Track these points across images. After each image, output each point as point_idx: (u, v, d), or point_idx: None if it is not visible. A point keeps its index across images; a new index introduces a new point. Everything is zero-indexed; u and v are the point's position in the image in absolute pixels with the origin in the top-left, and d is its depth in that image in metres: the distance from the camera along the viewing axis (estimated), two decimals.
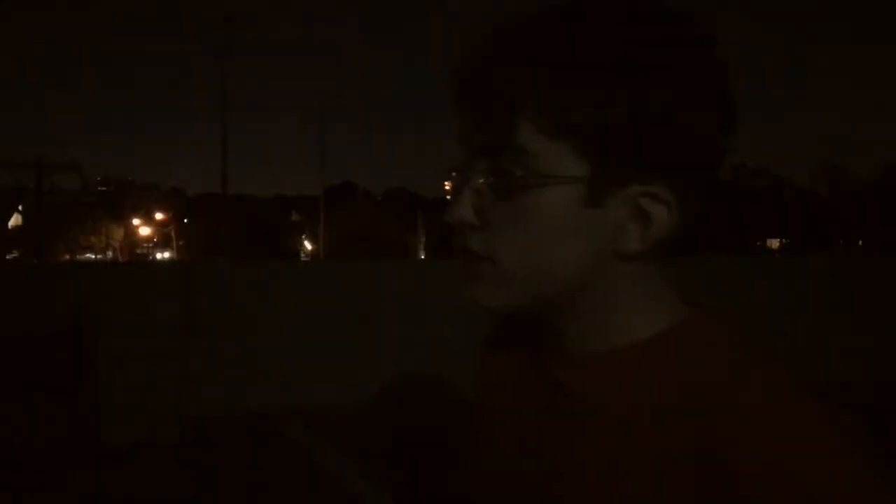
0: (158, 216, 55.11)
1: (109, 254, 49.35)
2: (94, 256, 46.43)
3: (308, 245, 55.39)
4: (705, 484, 0.59)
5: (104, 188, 58.47)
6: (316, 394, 6.11)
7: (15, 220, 47.49)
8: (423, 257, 43.63)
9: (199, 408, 5.68)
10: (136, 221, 53.44)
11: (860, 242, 47.24)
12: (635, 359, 0.65)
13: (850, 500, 0.56)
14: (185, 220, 56.30)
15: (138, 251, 53.44)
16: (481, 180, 0.63)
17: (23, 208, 45.89)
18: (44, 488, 4.40)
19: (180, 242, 53.00)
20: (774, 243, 49.58)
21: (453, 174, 0.66)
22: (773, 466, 0.57)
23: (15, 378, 5.29)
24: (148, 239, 53.49)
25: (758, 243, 46.70)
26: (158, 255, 51.09)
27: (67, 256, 44.74)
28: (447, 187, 0.71)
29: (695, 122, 0.60)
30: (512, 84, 0.60)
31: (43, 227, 32.38)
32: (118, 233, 51.19)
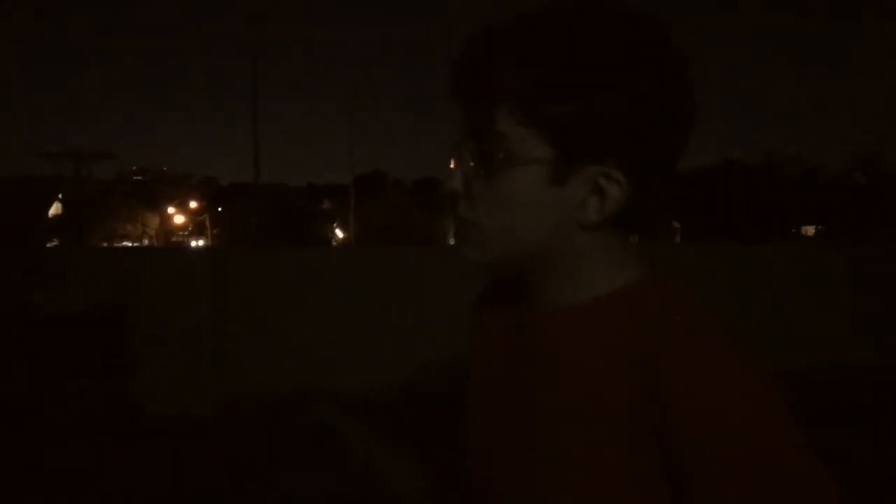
0: (192, 205, 55.92)
1: (145, 242, 50.28)
2: (130, 245, 47.35)
3: (339, 233, 55.82)
4: (647, 418, 0.70)
5: (139, 177, 59.48)
6: (344, 375, 6.32)
7: (55, 209, 48.52)
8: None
9: (231, 387, 5.92)
10: (170, 210, 54.27)
11: None
12: (594, 312, 0.77)
13: (768, 439, 0.67)
14: (219, 209, 57.06)
15: (173, 239, 54.32)
16: (469, 159, 0.77)
17: (62, 197, 46.87)
18: (85, 459, 4.66)
19: (214, 231, 53.78)
20: (809, 230, 48.79)
21: (455, 150, 0.79)
22: (702, 407, 0.68)
23: (59, 357, 5.57)
24: (182, 227, 54.33)
25: (792, 230, 45.99)
26: (193, 244, 51.94)
27: (105, 245, 45.73)
28: (451, 165, 0.80)
29: (645, 117, 0.72)
30: (494, 81, 0.73)
31: (81, 216, 33.15)
32: (153, 221, 52.07)
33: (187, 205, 55.78)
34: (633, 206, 0.74)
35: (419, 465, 4.43)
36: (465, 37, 0.77)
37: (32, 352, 5.61)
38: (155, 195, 53.49)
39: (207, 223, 53.89)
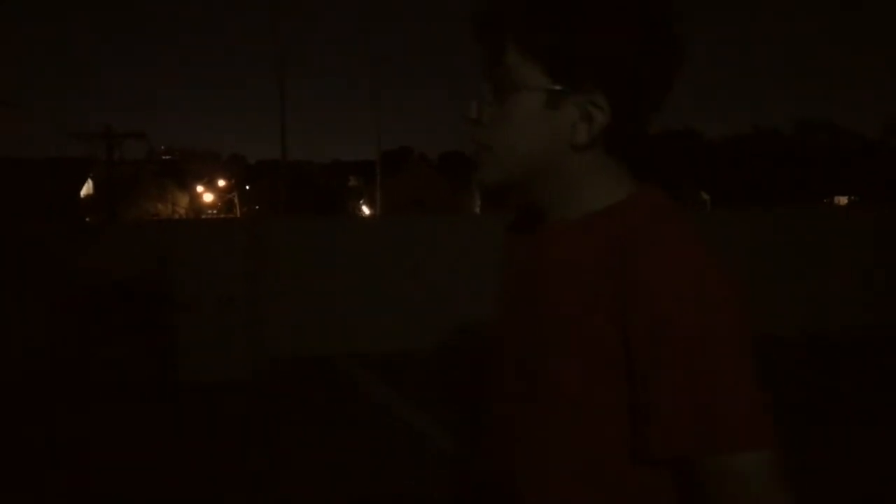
0: (221, 183, 56.44)
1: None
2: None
3: (365, 209, 56.05)
4: (612, 305, 0.83)
5: (168, 157, 60.08)
6: (375, 340, 6.44)
7: (87, 189, 49.20)
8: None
9: (266, 350, 6.07)
10: (199, 188, 54.81)
11: None
12: (589, 224, 0.90)
13: (716, 335, 0.79)
14: (247, 187, 57.54)
15: (203, 217, 54.94)
16: (484, 91, 0.91)
17: (93, 177, 47.50)
18: (129, 418, 4.84)
19: (244, 208, 54.28)
20: (842, 200, 47.87)
21: (476, 91, 0.93)
22: (654, 293, 0.80)
23: (102, 324, 5.76)
24: (212, 205, 54.91)
25: (825, 200, 45.16)
26: None
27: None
28: (472, 102, 0.95)
29: (628, 55, 0.84)
30: (504, 20, 0.87)
31: (115, 196, 33.61)
32: (183, 200, 52.65)
33: (216, 183, 56.30)
34: (619, 132, 0.87)
35: (444, 418, 4.53)
36: None
37: (77, 320, 5.80)
38: (184, 174, 54.05)
39: (236, 201, 54.39)
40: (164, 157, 59.75)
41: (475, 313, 6.48)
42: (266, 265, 6.27)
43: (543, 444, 0.94)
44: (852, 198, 46.22)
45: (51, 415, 4.94)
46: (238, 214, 53.57)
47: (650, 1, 0.85)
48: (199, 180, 54.86)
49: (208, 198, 55.25)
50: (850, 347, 6.50)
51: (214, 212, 54.82)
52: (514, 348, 0.98)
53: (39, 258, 5.95)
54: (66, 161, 42.46)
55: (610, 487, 0.90)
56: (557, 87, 0.86)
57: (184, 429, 4.72)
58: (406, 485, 3.79)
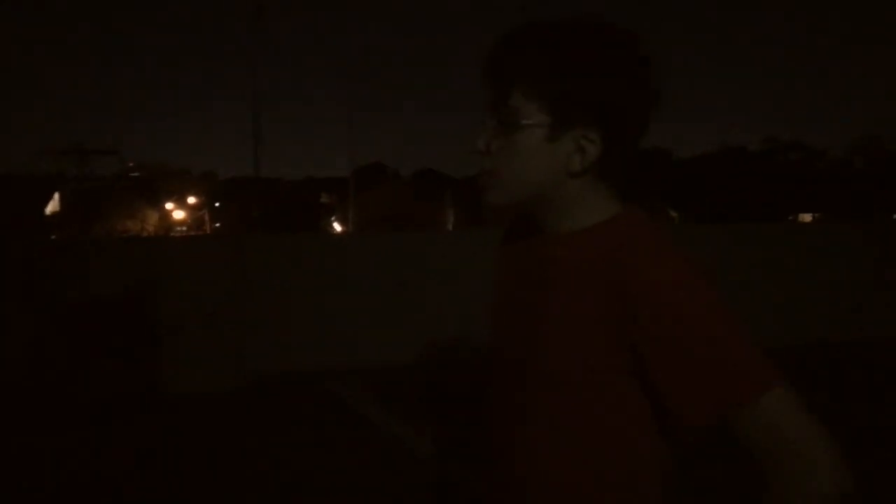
0: (191, 200, 55.86)
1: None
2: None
3: (337, 226, 55.87)
4: (614, 309, 0.98)
5: (136, 174, 59.36)
6: (357, 355, 6.41)
7: (52, 207, 48.40)
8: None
9: (250, 368, 6.01)
10: (169, 206, 54.18)
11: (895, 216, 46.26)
12: (578, 239, 1.07)
13: (709, 316, 0.96)
14: (217, 204, 57.01)
15: (171, 234, 54.29)
16: (492, 125, 1.07)
17: (59, 194, 46.77)
18: (111, 434, 4.77)
19: (215, 225, 53.77)
20: (806, 218, 48.84)
21: (481, 125, 1.09)
22: (651, 288, 0.96)
23: (84, 341, 5.66)
24: (182, 222, 54.30)
25: (789, 217, 46.02)
26: None
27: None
28: (479, 134, 1.10)
29: (614, 99, 1.01)
30: (510, 70, 1.04)
31: (86, 213, 33.14)
32: (153, 217, 51.99)
33: (186, 200, 55.70)
34: (607, 161, 1.04)
35: (430, 428, 4.52)
36: (489, 42, 1.08)
37: (59, 336, 5.70)
38: (154, 191, 53.41)
39: (207, 218, 53.87)
40: (133, 174, 59.02)
41: (458, 327, 6.50)
42: (249, 281, 6.22)
43: (546, 435, 1.07)
44: (817, 215, 47.18)
45: (32, 430, 4.84)
46: (209, 231, 53.02)
47: (632, 55, 1.03)
48: (170, 197, 54.24)
49: (179, 215, 54.63)
50: (814, 362, 6.63)
51: (184, 229, 54.19)
52: (514, 346, 1.12)
53: (19, 275, 5.84)
54: (31, 178, 41.80)
55: (609, 473, 1.05)
56: (557, 125, 1.03)
57: (167, 443, 4.65)
58: (390, 498, 3.77)
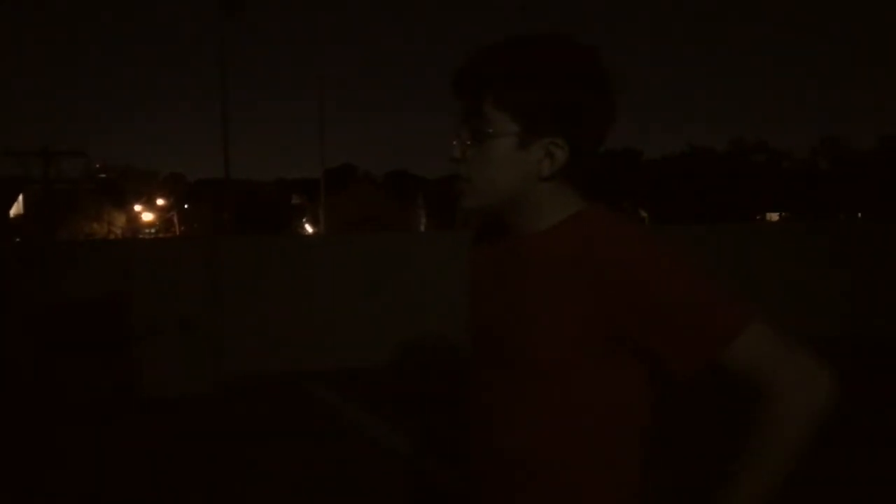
0: (160, 202, 55.14)
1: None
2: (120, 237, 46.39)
3: (309, 228, 55.57)
4: (591, 293, 1.07)
5: (104, 175, 58.42)
6: (334, 356, 6.41)
7: (16, 209, 47.44)
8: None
9: (226, 370, 5.99)
10: (137, 208, 53.42)
11: (859, 214, 47.34)
12: (551, 233, 1.15)
13: (685, 277, 1.06)
14: (186, 206, 56.38)
15: (140, 237, 53.52)
16: (466, 135, 1.14)
17: (24, 196, 45.87)
18: (90, 435, 4.73)
19: (182, 228, 53.15)
20: (773, 217, 49.73)
21: (455, 133, 1.16)
22: (627, 267, 1.05)
23: (58, 344, 5.60)
24: (150, 225, 53.58)
25: (757, 217, 46.80)
26: None
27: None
28: (454, 143, 1.17)
29: (577, 108, 1.09)
30: (481, 82, 1.11)
31: (51, 215, 32.53)
32: (120, 219, 51.23)
33: (154, 202, 54.98)
34: (573, 165, 1.12)
35: (403, 430, 4.56)
36: (461, 54, 1.15)
37: (32, 340, 5.63)
38: (121, 193, 52.62)
39: (176, 220, 53.22)
40: (100, 176, 58.07)
41: (435, 327, 6.53)
42: (224, 283, 6.19)
43: (528, 419, 1.14)
44: (783, 214, 48.09)
45: (4, 432, 4.78)
46: (178, 233, 52.39)
47: (593, 68, 1.11)
48: (137, 199, 53.47)
49: (147, 217, 53.89)
50: None
51: (153, 231, 53.50)
52: (494, 341, 1.19)
53: None
54: None
55: (590, 452, 1.13)
56: (527, 134, 1.10)
57: (143, 445, 4.63)
58: (369, 498, 3.80)
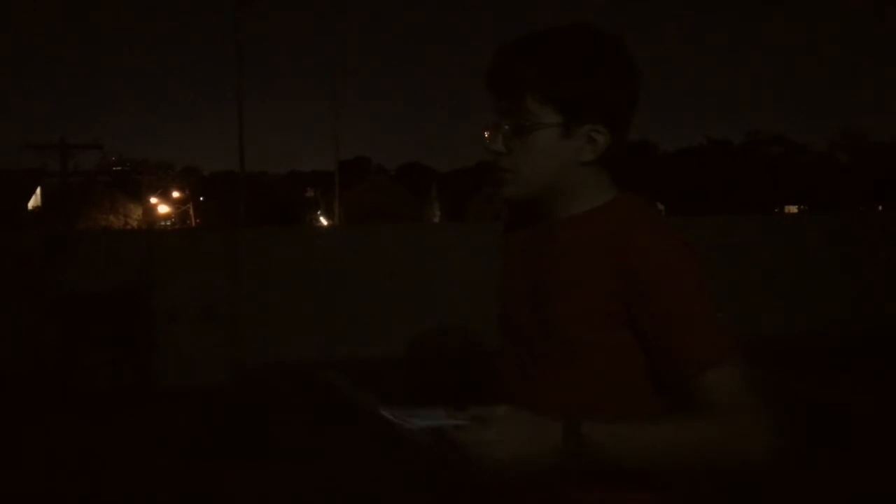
0: (175, 195, 55.46)
1: None
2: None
3: (323, 220, 55.75)
4: (616, 275, 1.13)
5: (119, 168, 58.85)
6: (350, 345, 6.44)
7: (34, 201, 47.89)
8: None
9: (244, 359, 6.04)
10: (153, 200, 53.74)
11: (879, 207, 46.88)
12: (586, 218, 1.22)
13: (689, 279, 1.13)
14: (201, 199, 56.69)
15: (160, 228, 53.83)
16: (507, 127, 1.19)
17: (41, 189, 46.28)
18: (109, 423, 4.80)
19: (198, 220, 53.45)
20: (792, 209, 49.33)
21: (489, 127, 1.21)
22: (649, 260, 1.12)
23: (79, 333, 5.68)
24: (166, 217, 53.92)
25: (775, 210, 46.45)
26: None
27: None
28: (486, 135, 1.22)
29: (615, 95, 1.17)
30: (522, 77, 1.16)
31: (68, 208, 32.79)
32: (136, 211, 51.57)
33: (170, 195, 55.30)
34: (611, 150, 1.19)
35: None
36: (494, 50, 1.20)
37: (56, 329, 5.72)
38: (137, 185, 52.97)
39: (191, 213, 53.54)
40: (115, 168, 58.43)
41: (451, 317, 6.56)
42: (244, 273, 6.24)
43: (554, 393, 1.18)
44: (802, 207, 47.70)
45: (27, 420, 4.86)
46: (193, 226, 52.68)
47: (623, 56, 1.18)
48: (153, 192, 53.81)
49: (163, 210, 54.22)
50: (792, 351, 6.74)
51: (169, 223, 53.85)
52: (522, 315, 1.25)
53: (13, 268, 5.84)
54: (13, 173, 41.34)
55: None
56: (570, 123, 1.17)
57: (163, 433, 4.69)
58: (384, 484, 3.83)
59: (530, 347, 1.24)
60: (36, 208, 47.78)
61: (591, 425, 1.06)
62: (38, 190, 46.89)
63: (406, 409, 1.21)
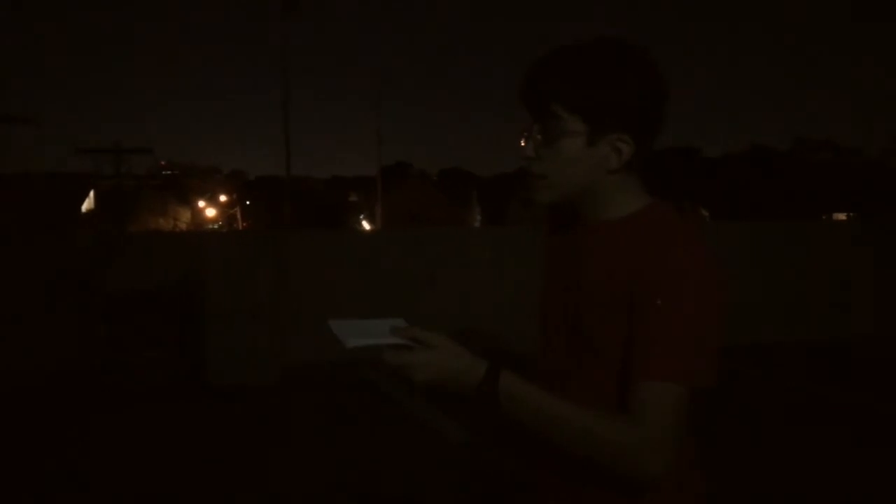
0: (222, 198, 56.52)
1: None
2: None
3: (366, 224, 56.17)
4: (628, 275, 1.20)
5: (168, 172, 60.17)
6: None
7: (87, 204, 49.20)
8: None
9: (292, 359, 6.23)
10: (201, 203, 54.84)
11: None
12: (617, 225, 1.27)
13: (697, 304, 1.15)
14: (247, 202, 57.68)
15: (210, 230, 54.77)
16: (538, 135, 1.26)
17: (94, 193, 47.57)
18: (157, 421, 5.01)
19: (245, 223, 54.36)
20: (840, 216, 48.08)
21: (522, 135, 1.29)
22: (662, 269, 1.16)
23: (132, 332, 5.92)
24: (213, 220, 54.98)
25: (822, 217, 45.33)
26: None
27: None
28: (522, 143, 1.29)
29: (639, 105, 1.22)
30: (550, 89, 1.24)
31: (121, 211, 33.70)
32: (185, 215, 52.70)
33: (217, 198, 56.38)
34: (637, 158, 1.24)
35: (462, 416, 4.70)
36: (526, 64, 1.28)
37: (109, 328, 5.95)
38: (185, 189, 54.15)
39: (238, 216, 54.48)
40: (165, 172, 59.71)
41: (494, 320, 6.66)
42: (291, 274, 6.44)
43: (592, 396, 1.23)
44: (851, 214, 46.44)
45: (81, 418, 5.09)
46: (240, 228, 53.54)
47: (648, 67, 1.24)
48: (201, 195, 54.91)
49: (210, 213, 55.29)
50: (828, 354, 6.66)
51: (216, 226, 54.86)
52: (563, 313, 1.32)
53: (70, 269, 6.11)
54: (68, 177, 42.57)
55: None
56: (595, 132, 1.23)
57: (210, 430, 4.87)
58: (426, 483, 3.92)
59: (563, 346, 1.31)
60: (89, 211, 49.14)
61: (510, 378, 1.15)
62: (92, 193, 48.26)
63: (352, 322, 1.31)
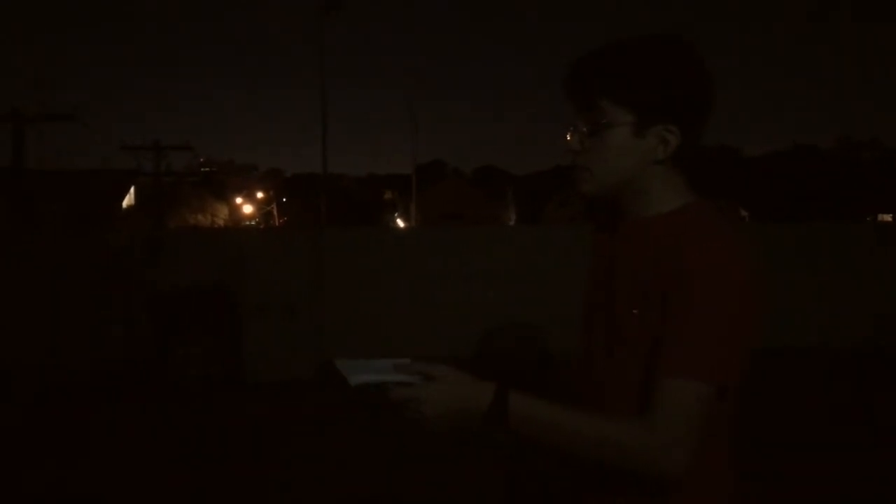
0: (259, 195, 57.13)
1: None
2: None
3: (401, 222, 56.34)
4: (662, 271, 1.20)
5: (207, 169, 61.04)
6: (426, 343, 6.59)
7: (128, 200, 50.09)
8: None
9: (328, 355, 6.28)
10: (238, 200, 55.48)
11: None
12: (659, 222, 1.27)
13: (724, 306, 1.15)
14: (283, 199, 58.25)
15: (249, 227, 55.45)
16: (583, 128, 1.27)
17: (134, 189, 48.41)
18: (196, 412, 5.09)
19: (281, 221, 54.90)
20: (886, 218, 46.85)
21: (569, 129, 1.29)
22: (694, 269, 1.16)
23: (172, 326, 6.03)
24: (250, 217, 55.60)
25: (867, 218, 44.23)
26: None
27: None
28: (568, 138, 1.29)
29: (685, 97, 1.24)
30: (597, 83, 1.25)
31: (161, 207, 34.25)
32: (223, 211, 53.36)
33: (254, 195, 57.00)
34: (683, 149, 1.25)
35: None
36: (571, 60, 1.29)
37: (152, 321, 6.07)
38: (223, 186, 54.85)
39: (275, 213, 55.04)
40: (203, 169, 60.55)
41: (527, 315, 6.63)
42: (328, 271, 6.49)
43: (632, 395, 1.21)
44: None
45: (123, 412, 5.19)
46: (277, 225, 54.09)
47: (694, 60, 1.25)
48: (238, 192, 55.55)
49: (247, 210, 55.91)
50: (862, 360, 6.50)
51: (253, 223, 55.47)
52: (601, 309, 1.32)
53: (114, 265, 6.24)
54: (108, 173, 43.40)
55: None
56: (643, 123, 1.24)
57: (246, 426, 4.94)
58: (466, 485, 3.93)
59: (601, 342, 1.31)
60: (130, 207, 50.03)
61: (518, 397, 1.16)
62: (132, 189, 49.12)
63: (358, 361, 1.30)
